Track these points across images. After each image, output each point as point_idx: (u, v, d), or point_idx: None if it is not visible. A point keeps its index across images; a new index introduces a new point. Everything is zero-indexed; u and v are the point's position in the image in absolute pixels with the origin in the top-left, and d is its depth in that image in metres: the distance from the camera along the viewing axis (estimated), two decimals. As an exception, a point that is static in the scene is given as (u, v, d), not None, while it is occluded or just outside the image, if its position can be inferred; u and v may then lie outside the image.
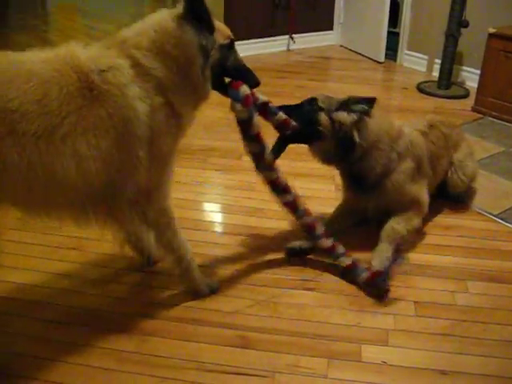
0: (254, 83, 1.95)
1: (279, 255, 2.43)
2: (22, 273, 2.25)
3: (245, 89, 1.93)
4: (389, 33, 5.28)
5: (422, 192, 2.51)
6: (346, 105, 2.26)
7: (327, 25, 5.90)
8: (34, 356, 1.87)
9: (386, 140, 2.37)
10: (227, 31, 1.88)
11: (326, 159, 2.41)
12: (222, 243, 2.52)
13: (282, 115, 2.14)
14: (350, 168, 2.42)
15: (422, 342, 1.98)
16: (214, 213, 2.92)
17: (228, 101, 1.96)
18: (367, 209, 2.52)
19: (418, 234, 2.56)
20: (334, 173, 2.80)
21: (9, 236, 2.36)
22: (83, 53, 1.68)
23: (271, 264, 2.39)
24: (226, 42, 1.85)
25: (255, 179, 2.31)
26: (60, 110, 1.56)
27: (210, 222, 2.81)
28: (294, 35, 5.58)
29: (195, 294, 2.09)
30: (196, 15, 1.72)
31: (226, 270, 2.32)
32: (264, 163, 2.13)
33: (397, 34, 5.33)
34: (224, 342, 1.95)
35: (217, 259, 2.39)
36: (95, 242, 2.41)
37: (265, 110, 2.08)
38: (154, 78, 1.70)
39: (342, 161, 2.38)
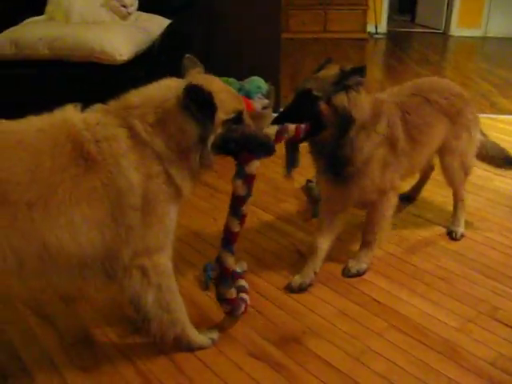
0: (265, 154, 1.86)
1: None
2: None
3: (251, 167, 1.85)
4: None
5: (394, 180, 2.33)
6: (341, 81, 2.08)
7: None
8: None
9: (370, 119, 2.19)
10: (233, 104, 1.75)
11: (322, 148, 2.21)
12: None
13: (291, 128, 2.01)
14: (335, 155, 2.18)
15: None
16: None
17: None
18: (347, 202, 2.37)
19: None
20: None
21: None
22: (80, 120, 1.64)
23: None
24: (231, 116, 1.73)
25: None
26: (53, 179, 1.54)
27: None
28: None
29: (195, 348, 1.95)
30: (196, 103, 1.63)
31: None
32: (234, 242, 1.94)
33: None
34: None
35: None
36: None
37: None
38: (152, 150, 1.66)
39: (335, 147, 2.16)
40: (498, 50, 7.71)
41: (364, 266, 2.40)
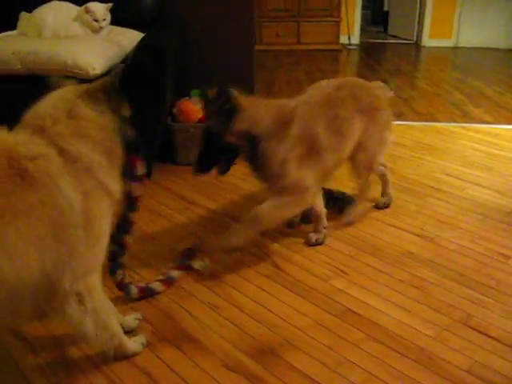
0: (141, 151, 1.92)
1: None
2: None
3: (141, 167, 1.92)
4: None
5: (308, 178, 2.40)
6: (222, 109, 2.24)
7: None
8: None
9: (278, 127, 2.29)
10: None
11: (245, 159, 2.40)
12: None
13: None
14: (254, 164, 2.39)
15: None
16: None
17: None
18: None
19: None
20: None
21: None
22: (11, 138, 1.60)
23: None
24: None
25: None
26: None
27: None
28: None
29: (129, 355, 1.95)
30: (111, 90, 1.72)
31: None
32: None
33: None
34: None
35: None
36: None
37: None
38: (83, 163, 1.64)
39: (252, 158, 2.36)
40: (469, 60, 7.85)
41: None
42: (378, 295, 2.33)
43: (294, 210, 2.51)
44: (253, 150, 2.29)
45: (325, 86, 2.62)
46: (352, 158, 2.69)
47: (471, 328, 2.13)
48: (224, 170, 2.38)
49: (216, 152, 2.29)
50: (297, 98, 2.54)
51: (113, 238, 1.93)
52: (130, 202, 1.98)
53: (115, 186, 1.74)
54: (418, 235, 2.80)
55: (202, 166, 2.32)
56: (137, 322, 2.12)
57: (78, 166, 1.63)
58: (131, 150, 1.84)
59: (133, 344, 1.97)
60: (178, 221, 2.95)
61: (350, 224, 2.84)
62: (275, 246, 2.71)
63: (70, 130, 1.64)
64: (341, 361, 1.97)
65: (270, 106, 2.37)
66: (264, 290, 2.36)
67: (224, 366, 1.95)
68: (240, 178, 3.37)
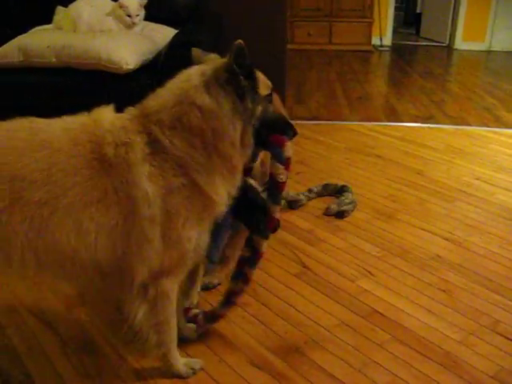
0: (292, 134, 1.73)
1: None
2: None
3: (288, 149, 1.69)
4: None
5: None
6: None
7: None
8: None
9: None
10: (267, 80, 1.68)
11: None
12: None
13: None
14: None
15: None
16: None
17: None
18: None
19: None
20: None
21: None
22: (108, 122, 1.58)
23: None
24: (268, 92, 1.64)
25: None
26: (65, 180, 1.50)
27: None
28: None
29: (174, 374, 1.87)
30: (237, 74, 1.51)
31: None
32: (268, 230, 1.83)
33: None
34: None
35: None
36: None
37: None
38: (174, 157, 1.54)
39: None
40: (503, 64, 7.74)
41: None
42: (405, 297, 2.33)
43: None
44: None
45: None
46: None
47: (498, 334, 2.11)
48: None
49: None
50: None
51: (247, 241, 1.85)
52: (272, 188, 1.76)
53: (215, 190, 1.60)
54: (446, 239, 2.78)
55: None
56: (195, 334, 2.04)
57: (168, 159, 1.54)
58: (277, 129, 1.68)
59: (181, 365, 1.87)
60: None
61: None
62: (303, 245, 2.71)
63: (171, 120, 1.54)
64: (366, 361, 1.97)
65: None
66: (291, 289, 2.37)
67: (249, 362, 1.96)
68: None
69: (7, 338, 2.07)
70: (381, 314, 2.22)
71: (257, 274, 2.43)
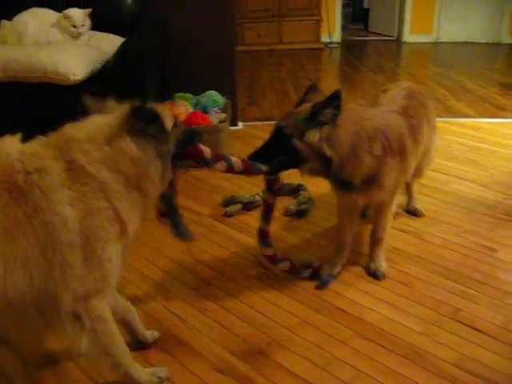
0: (200, 138, 1.86)
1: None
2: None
3: (206, 150, 1.90)
4: None
5: (400, 182, 2.37)
6: (313, 118, 2.01)
7: None
8: None
9: (361, 144, 2.10)
10: (168, 111, 1.77)
11: (316, 175, 2.18)
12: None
13: (237, 164, 2.02)
14: (335, 176, 2.16)
15: None
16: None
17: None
18: (358, 205, 2.43)
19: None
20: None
21: None
22: (16, 150, 1.55)
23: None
24: (174, 122, 1.74)
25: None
26: None
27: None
28: None
29: None
30: (144, 119, 1.59)
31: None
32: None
33: None
34: None
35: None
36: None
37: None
38: (97, 182, 1.55)
39: (331, 173, 2.11)
40: (451, 55, 7.89)
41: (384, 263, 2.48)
42: (365, 292, 2.34)
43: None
44: (325, 166, 2.07)
45: (395, 95, 2.50)
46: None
47: (458, 322, 2.14)
48: (274, 172, 2.17)
49: (278, 150, 2.09)
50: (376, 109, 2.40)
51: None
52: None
53: (131, 219, 1.64)
54: (403, 231, 2.81)
55: (258, 157, 2.08)
56: (153, 336, 2.06)
57: (89, 185, 1.54)
58: (188, 145, 1.82)
59: (145, 376, 1.83)
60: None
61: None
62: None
63: (101, 156, 1.56)
64: (329, 359, 1.97)
65: (350, 125, 2.09)
66: (251, 291, 2.36)
67: (213, 368, 1.95)
68: (225, 179, 3.36)
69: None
70: (342, 310, 2.23)
71: (216, 278, 2.43)
